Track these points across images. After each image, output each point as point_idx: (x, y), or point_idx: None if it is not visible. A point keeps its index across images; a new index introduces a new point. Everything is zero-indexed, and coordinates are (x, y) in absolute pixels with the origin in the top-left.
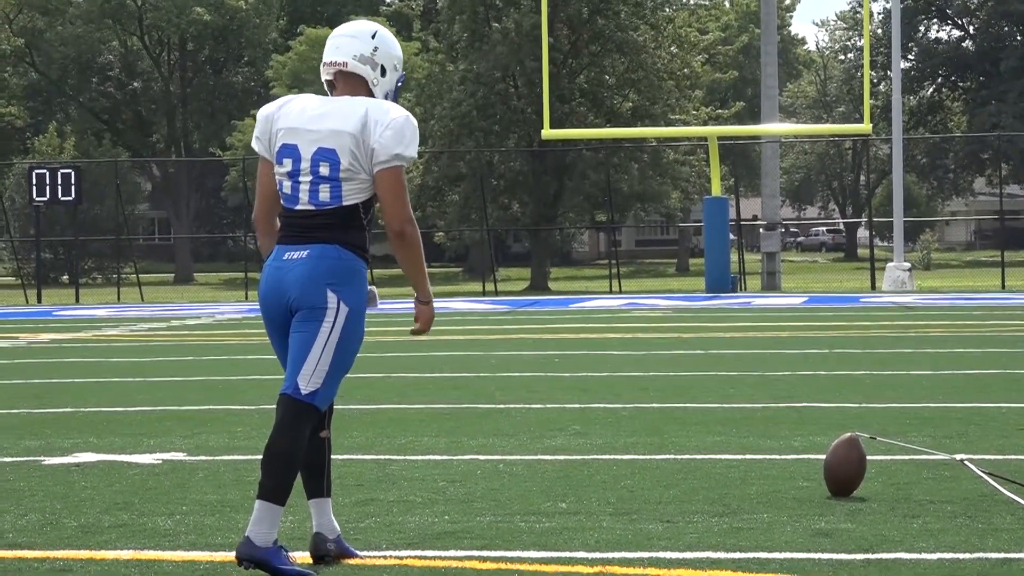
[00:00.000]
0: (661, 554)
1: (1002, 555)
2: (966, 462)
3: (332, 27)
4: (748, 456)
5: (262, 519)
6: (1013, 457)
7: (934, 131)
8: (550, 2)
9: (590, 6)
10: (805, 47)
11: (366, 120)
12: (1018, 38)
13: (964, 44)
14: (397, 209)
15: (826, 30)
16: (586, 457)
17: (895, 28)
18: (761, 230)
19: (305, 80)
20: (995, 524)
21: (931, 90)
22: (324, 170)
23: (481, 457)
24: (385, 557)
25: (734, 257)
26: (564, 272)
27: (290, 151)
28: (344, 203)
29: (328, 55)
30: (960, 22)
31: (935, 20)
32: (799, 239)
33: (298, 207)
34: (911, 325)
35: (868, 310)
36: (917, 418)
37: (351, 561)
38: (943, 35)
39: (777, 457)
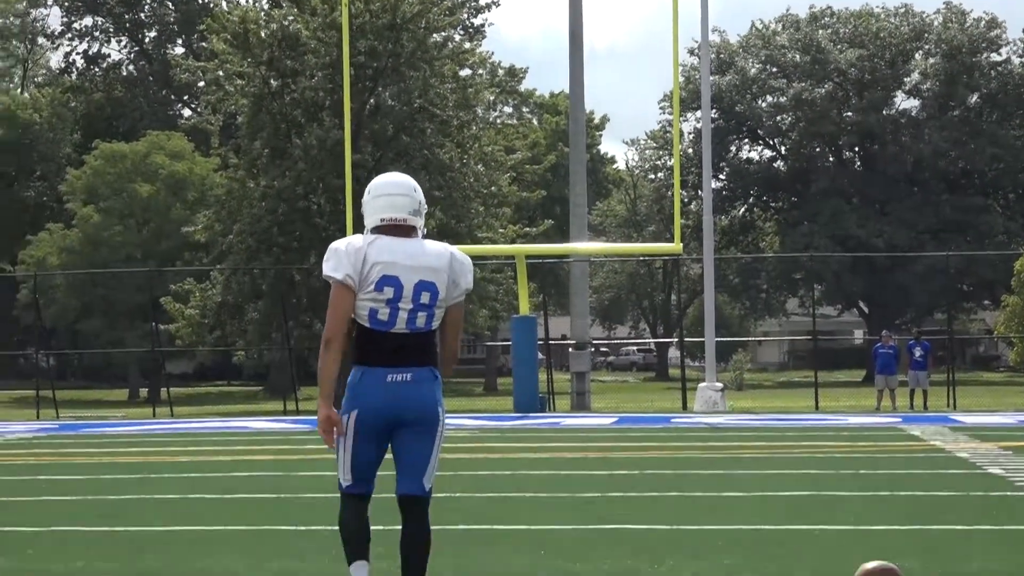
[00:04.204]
0: None
1: None
2: None
3: (127, 140)
4: None
5: None
6: None
7: (746, 251)
8: (354, 119)
9: (395, 123)
10: (615, 166)
11: (451, 260)
12: (829, 159)
13: (776, 164)
14: (459, 332)
15: (636, 149)
16: None
17: (706, 148)
18: (570, 349)
19: (100, 195)
20: None
21: (743, 210)
22: (425, 299)
23: None
24: None
25: (543, 377)
26: None
27: (391, 281)
28: (431, 328)
29: (387, 212)
30: (771, 142)
31: (746, 140)
32: (609, 359)
33: (392, 330)
34: (723, 446)
35: (679, 431)
36: (731, 540)
37: None
38: (755, 155)
39: None
